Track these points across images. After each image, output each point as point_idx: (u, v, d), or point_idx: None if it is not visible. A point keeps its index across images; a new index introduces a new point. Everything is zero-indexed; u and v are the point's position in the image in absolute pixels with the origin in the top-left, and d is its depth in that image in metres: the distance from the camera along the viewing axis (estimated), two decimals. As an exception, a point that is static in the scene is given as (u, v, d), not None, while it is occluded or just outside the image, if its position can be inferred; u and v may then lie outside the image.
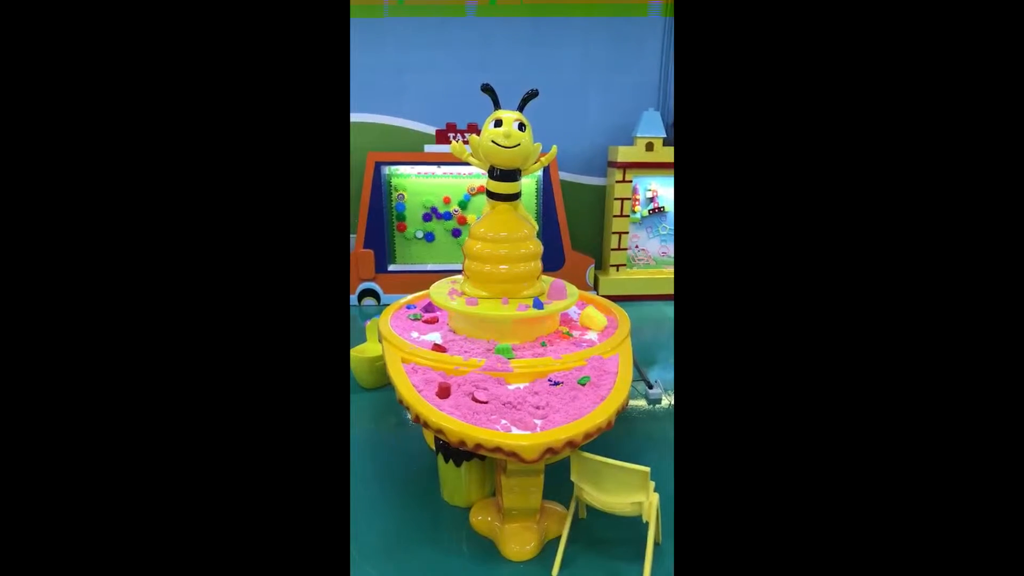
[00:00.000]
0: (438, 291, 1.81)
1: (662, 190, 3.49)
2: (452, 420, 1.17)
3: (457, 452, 1.44)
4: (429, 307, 1.97)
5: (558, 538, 1.33)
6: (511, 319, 1.62)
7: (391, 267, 3.46)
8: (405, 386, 1.34)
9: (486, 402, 1.29)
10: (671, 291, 3.51)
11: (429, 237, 3.51)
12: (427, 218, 3.48)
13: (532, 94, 1.67)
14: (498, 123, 1.64)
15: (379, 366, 2.23)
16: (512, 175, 1.71)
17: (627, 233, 3.46)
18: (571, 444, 1.14)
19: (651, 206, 3.51)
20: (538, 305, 1.64)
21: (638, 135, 3.27)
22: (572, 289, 1.81)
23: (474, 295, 1.72)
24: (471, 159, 1.76)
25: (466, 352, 1.56)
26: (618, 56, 3.47)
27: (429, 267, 3.49)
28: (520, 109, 1.69)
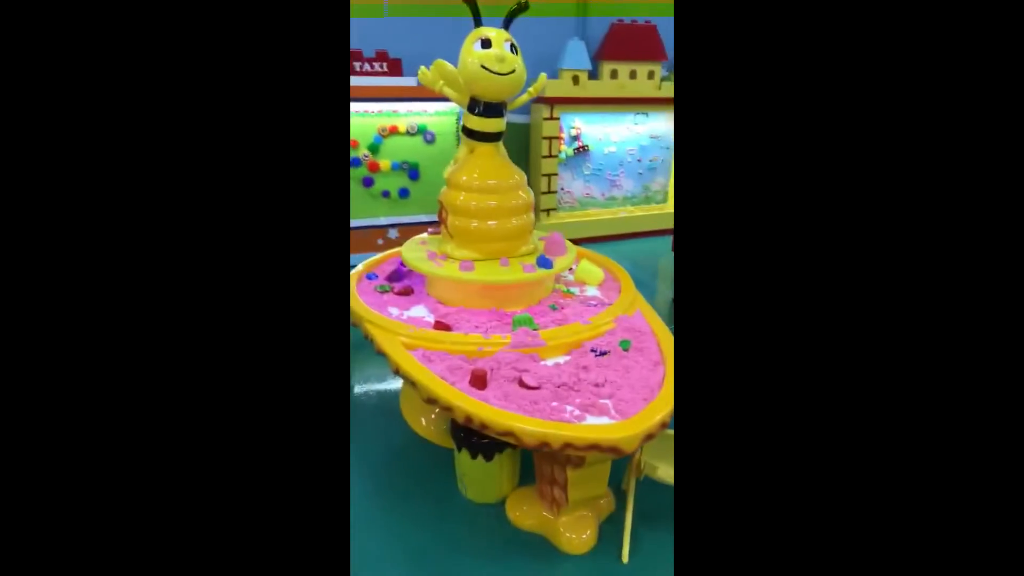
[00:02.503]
0: (413, 255, 1.50)
1: (586, 127, 3.36)
2: (525, 419, 0.95)
3: (487, 444, 1.22)
4: (396, 275, 1.64)
5: (609, 519, 1.22)
6: (522, 283, 1.39)
7: (294, 226, 2.94)
8: (430, 379, 1.08)
9: (538, 387, 1.08)
10: (600, 232, 3.48)
11: (336, 188, 3.02)
12: (331, 166, 2.97)
13: (522, 7, 1.37)
14: (485, 43, 1.32)
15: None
16: (498, 109, 1.43)
17: (556, 175, 3.30)
18: (663, 424, 0.99)
19: (576, 145, 3.37)
20: (546, 264, 1.43)
21: (563, 67, 3.06)
22: (568, 242, 1.62)
23: (465, 258, 1.45)
24: (446, 90, 1.43)
25: (477, 327, 1.31)
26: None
27: (340, 223, 3.02)
28: (506, 27, 1.38)
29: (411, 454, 1.49)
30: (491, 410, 0.98)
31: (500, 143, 1.50)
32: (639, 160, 3.58)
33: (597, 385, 1.09)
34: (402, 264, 1.71)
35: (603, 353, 1.21)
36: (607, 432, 0.93)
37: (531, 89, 1.50)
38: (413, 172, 3.07)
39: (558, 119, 3.17)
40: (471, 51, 1.33)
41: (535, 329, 1.27)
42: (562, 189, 3.44)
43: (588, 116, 3.33)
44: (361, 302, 1.41)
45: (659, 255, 3.28)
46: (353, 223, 3.01)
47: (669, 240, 3.52)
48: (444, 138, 3.10)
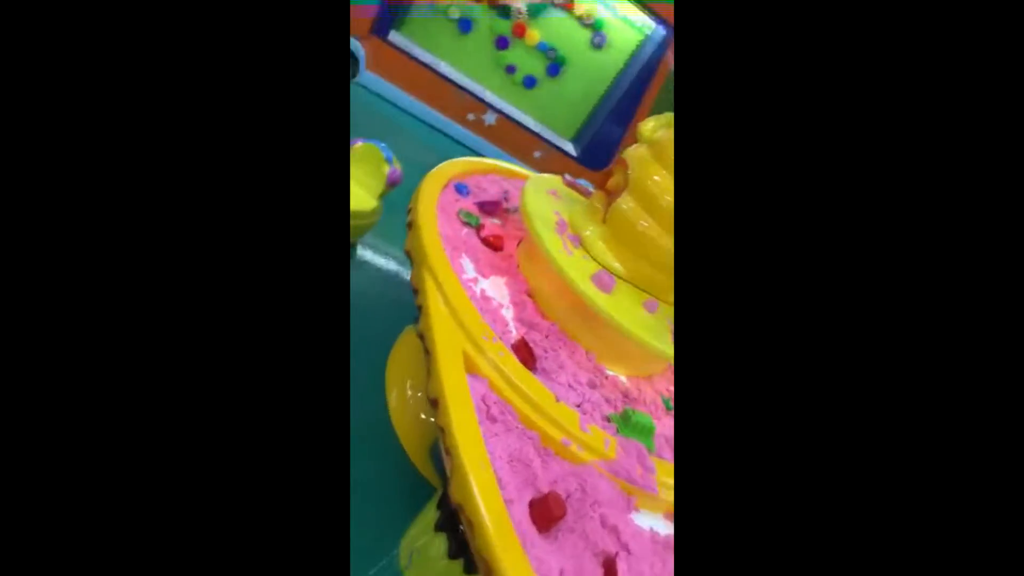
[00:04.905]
0: (538, 210, 0.96)
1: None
2: None
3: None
4: (492, 206, 1.11)
5: None
6: (661, 359, 0.89)
7: (392, 35, 2.28)
8: (482, 479, 0.59)
9: (631, 591, 0.61)
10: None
11: (465, 25, 2.34)
12: (475, -4, 2.28)
13: None
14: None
15: (357, 226, 1.35)
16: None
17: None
18: None
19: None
20: (705, 350, 0.92)
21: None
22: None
23: (607, 267, 0.92)
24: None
25: (572, 389, 0.81)
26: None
27: (443, 69, 2.37)
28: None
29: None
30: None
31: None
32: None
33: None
34: (504, 196, 1.17)
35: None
36: None
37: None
38: (555, 67, 2.42)
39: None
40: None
41: (651, 451, 0.78)
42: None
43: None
44: (436, 230, 0.88)
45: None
46: (459, 77, 2.37)
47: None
48: (613, 53, 2.42)
